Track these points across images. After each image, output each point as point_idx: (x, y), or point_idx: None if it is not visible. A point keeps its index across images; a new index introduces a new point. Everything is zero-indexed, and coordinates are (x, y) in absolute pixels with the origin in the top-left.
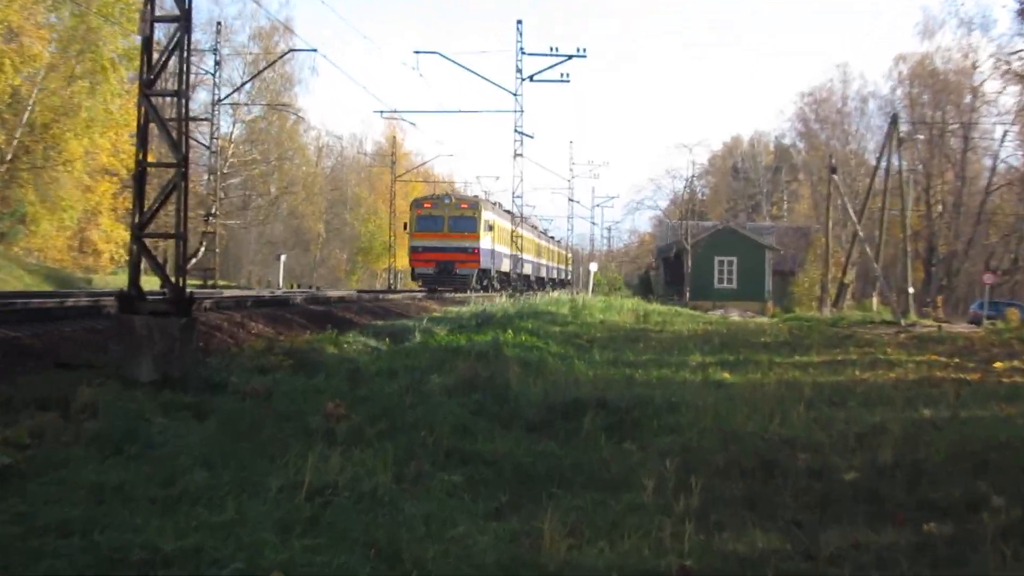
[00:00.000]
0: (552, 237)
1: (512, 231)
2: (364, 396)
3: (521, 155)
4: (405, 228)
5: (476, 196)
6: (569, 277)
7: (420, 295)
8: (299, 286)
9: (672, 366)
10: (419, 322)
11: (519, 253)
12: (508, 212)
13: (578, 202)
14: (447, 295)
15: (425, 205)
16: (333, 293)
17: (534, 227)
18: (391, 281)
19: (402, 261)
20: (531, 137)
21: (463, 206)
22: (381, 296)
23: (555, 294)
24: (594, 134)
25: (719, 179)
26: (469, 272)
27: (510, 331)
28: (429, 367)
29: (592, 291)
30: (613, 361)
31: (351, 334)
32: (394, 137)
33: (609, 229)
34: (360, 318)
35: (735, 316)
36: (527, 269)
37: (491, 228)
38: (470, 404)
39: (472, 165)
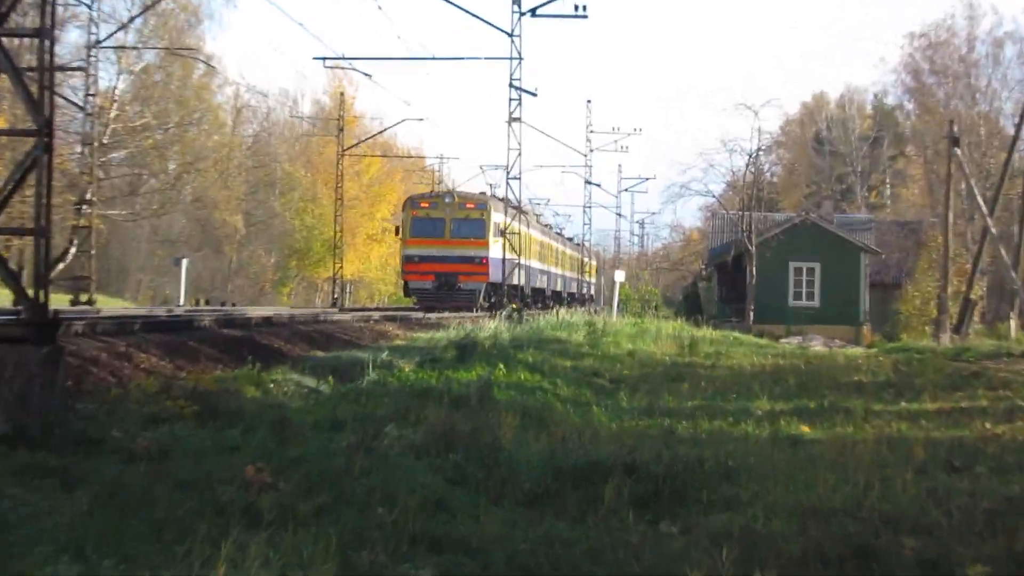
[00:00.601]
0: (570, 239)
1: (526, 235)
2: (298, 457)
3: (519, 119)
4: (397, 233)
5: (484, 194)
6: (592, 291)
7: (377, 316)
8: (208, 302)
9: (729, 416)
10: (376, 353)
11: (533, 262)
12: (518, 209)
13: (598, 185)
14: (430, 316)
15: (422, 205)
16: (256, 312)
17: (547, 226)
18: (337, 296)
19: (351, 267)
20: (533, 95)
21: (469, 206)
22: (323, 317)
23: (565, 313)
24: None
25: (796, 154)
26: (476, 287)
27: (502, 366)
28: (389, 416)
29: (618, 310)
30: (646, 409)
31: (280, 370)
32: (342, 94)
33: (642, 224)
34: (293, 347)
35: (818, 346)
36: (541, 281)
37: (502, 233)
38: (446, 469)
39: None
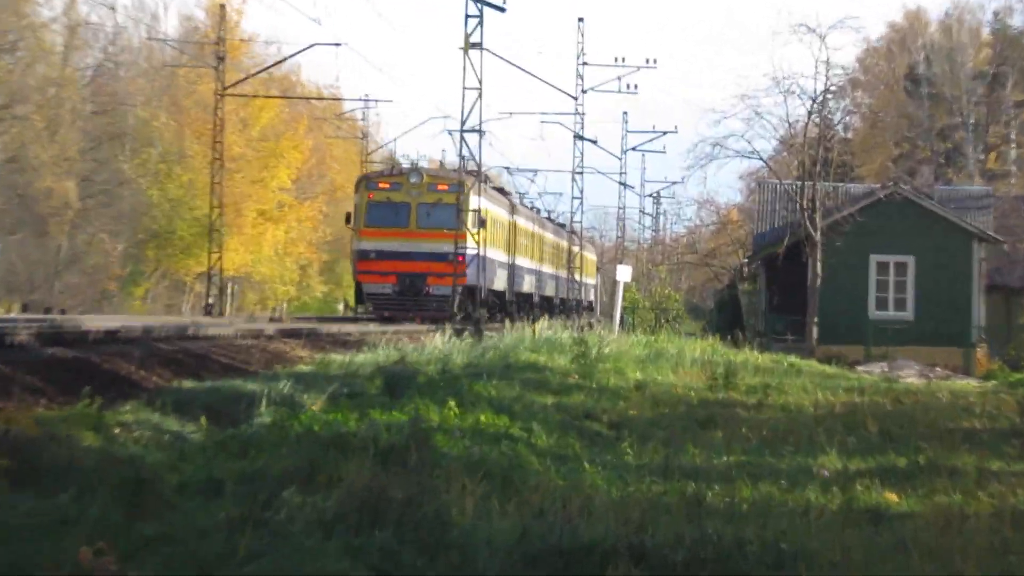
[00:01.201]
0: (562, 226)
1: (511, 224)
2: (156, 535)
3: (479, 45)
4: (348, 221)
5: (458, 171)
6: (592, 296)
7: (272, 329)
8: (26, 308)
9: (781, 478)
10: (271, 384)
11: (521, 260)
12: (501, 191)
13: (593, 142)
14: (349, 332)
15: (381, 186)
16: (96, 323)
17: (534, 210)
18: (213, 301)
19: (235, 258)
20: (501, 9)
21: (441, 187)
22: (195, 330)
23: (545, 327)
24: (627, 9)
25: (880, 98)
26: (449, 292)
27: (454, 403)
28: (288, 476)
29: (621, 322)
30: (661, 467)
31: (131, 407)
32: (222, 7)
33: (656, 198)
34: (150, 375)
35: (911, 376)
36: (529, 284)
37: (483, 223)
38: (369, 553)
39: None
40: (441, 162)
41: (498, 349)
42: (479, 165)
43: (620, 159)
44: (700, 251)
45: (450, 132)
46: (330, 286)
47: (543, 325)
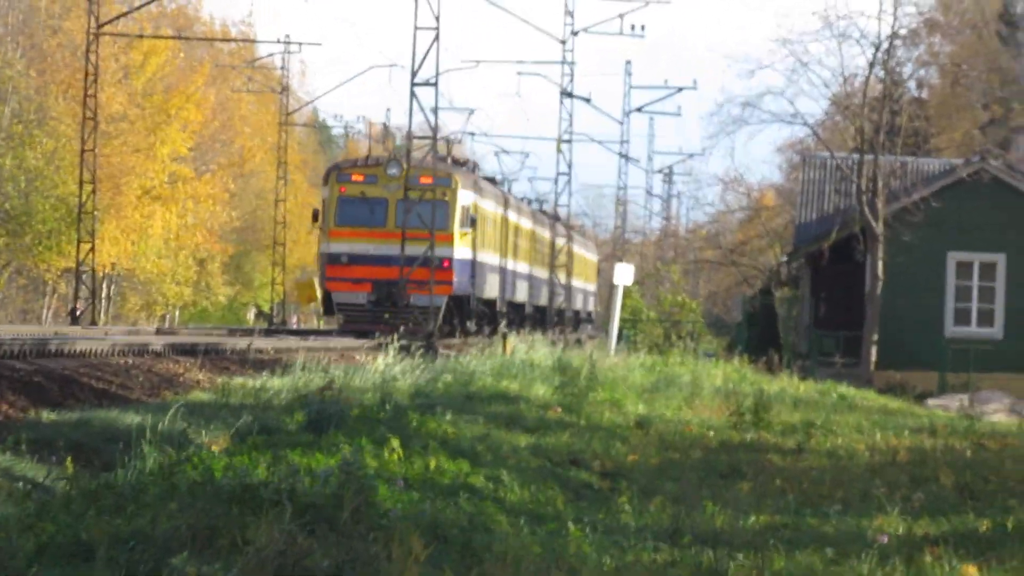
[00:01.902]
0: (557, 219)
1: (503, 219)
2: None
3: None
4: (315, 219)
5: (446, 160)
6: (592, 306)
7: (160, 344)
8: None
9: (825, 544)
10: (157, 416)
11: (515, 264)
12: (491, 181)
13: (585, 100)
14: (263, 349)
15: (354, 178)
16: None
17: (524, 201)
18: (83, 307)
19: (112, 250)
20: None
21: (425, 180)
22: (59, 344)
23: (518, 344)
24: None
25: (965, 46)
26: (433, 303)
27: (397, 444)
28: (178, 537)
29: (621, 338)
30: (670, 531)
31: None
32: None
33: (668, 175)
34: None
35: (998, 413)
36: (522, 292)
37: (473, 223)
38: None
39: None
40: (385, 125)
41: (457, 373)
42: (435, 130)
43: (621, 124)
44: (725, 246)
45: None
46: (237, 288)
47: (515, 341)
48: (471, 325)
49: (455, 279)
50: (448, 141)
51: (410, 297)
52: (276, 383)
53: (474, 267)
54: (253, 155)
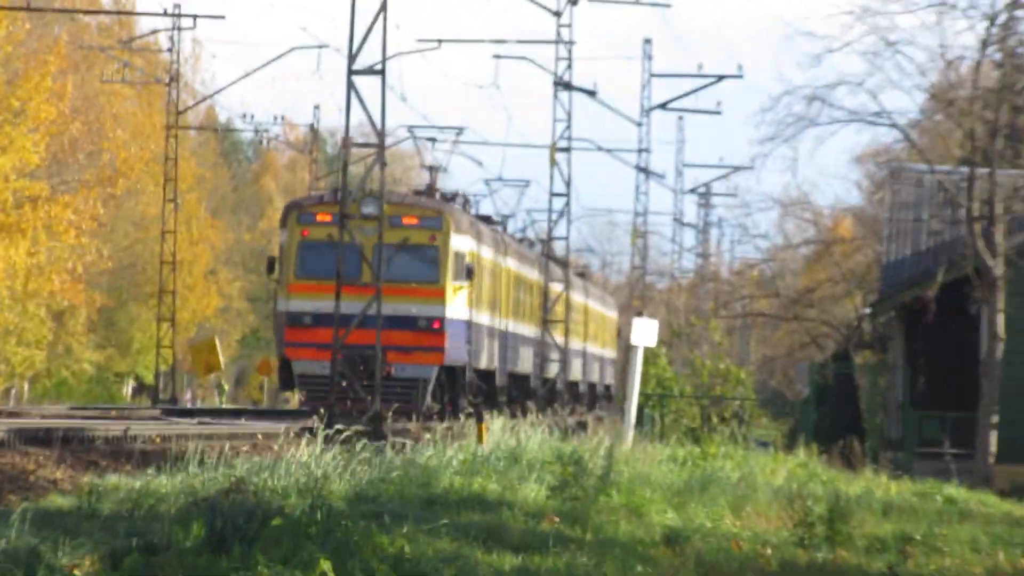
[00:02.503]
0: (565, 264)
1: (503, 269)
2: None
3: None
4: (270, 270)
5: (435, 195)
6: (611, 378)
7: (1, 432)
8: None
9: None
10: None
11: (512, 323)
12: (486, 220)
13: (590, 93)
14: (240, 426)
15: (320, 218)
16: None
17: (525, 243)
18: None
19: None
20: None
21: (409, 220)
22: None
23: (495, 429)
24: None
25: None
26: (422, 374)
27: (327, 565)
28: None
29: (641, 420)
30: None
31: None
32: None
33: (704, 198)
34: None
35: None
36: (525, 361)
37: (470, 274)
38: None
39: None
40: (312, 128)
41: (414, 469)
42: (381, 134)
43: (639, 125)
44: (784, 294)
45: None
46: (109, 352)
47: (499, 425)
48: (464, 403)
49: (448, 344)
50: (432, 169)
51: (392, 367)
52: (164, 484)
53: (470, 329)
54: (130, 169)
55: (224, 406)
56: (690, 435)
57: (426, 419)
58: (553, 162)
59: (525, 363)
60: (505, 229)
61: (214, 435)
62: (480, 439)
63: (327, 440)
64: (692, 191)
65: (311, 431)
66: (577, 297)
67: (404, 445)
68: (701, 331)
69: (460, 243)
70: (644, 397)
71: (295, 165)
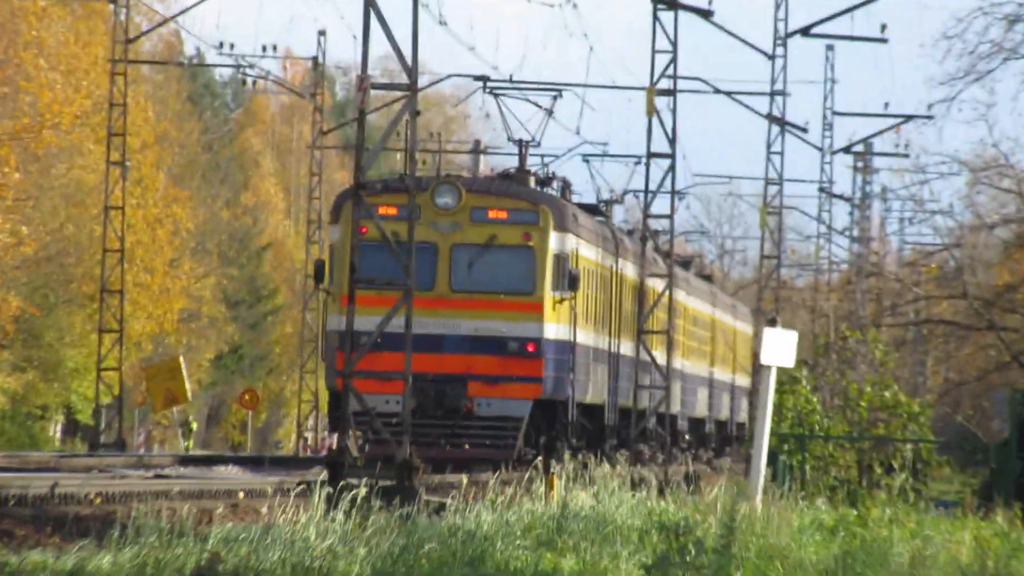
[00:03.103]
0: (687, 264)
1: (614, 274)
2: None
3: None
4: (319, 277)
5: (527, 173)
6: (744, 414)
7: None
8: None
9: None
10: None
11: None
12: (591, 210)
13: (706, 16)
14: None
15: (382, 211)
16: None
17: (629, 232)
18: None
19: None
20: None
21: (497, 213)
22: None
23: (570, 482)
24: None
25: None
26: (514, 410)
27: None
28: None
29: (774, 471)
30: None
31: None
32: None
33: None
34: None
35: None
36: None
37: (574, 282)
38: None
39: None
40: (316, 61)
41: (456, 539)
42: (412, 71)
43: (771, 58)
44: (975, 294)
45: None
46: (29, 377)
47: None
48: (563, 447)
49: (546, 373)
50: (523, 144)
51: (474, 402)
52: (106, 564)
53: (574, 354)
54: (60, 118)
55: (192, 452)
56: (843, 492)
57: (517, 468)
58: (651, 110)
59: (640, 395)
60: (609, 214)
61: (177, 493)
62: (550, 496)
63: (335, 500)
64: (845, 150)
65: (309, 486)
66: (696, 303)
67: (442, 506)
68: (857, 346)
69: (561, 243)
70: (778, 439)
71: (292, 114)
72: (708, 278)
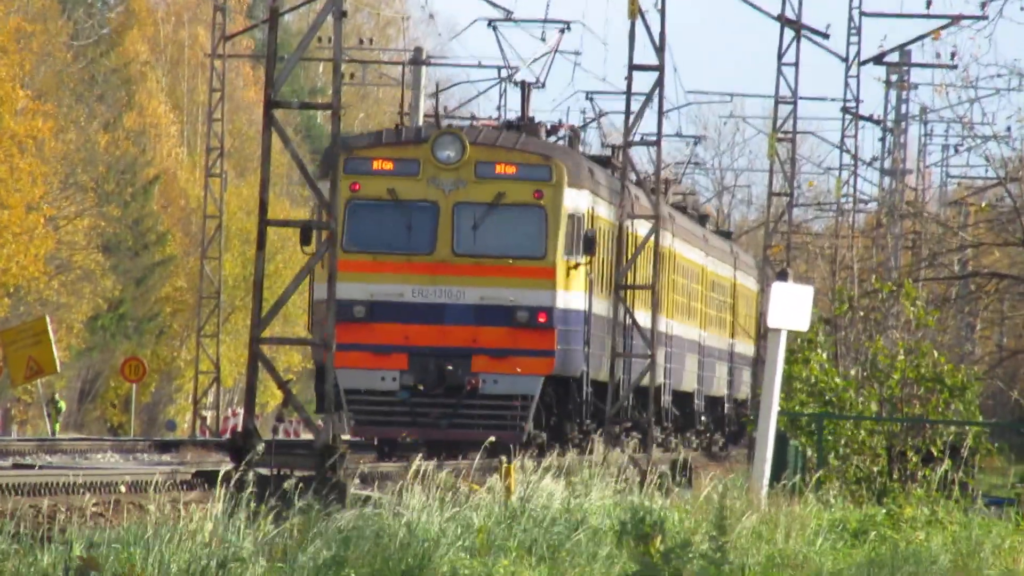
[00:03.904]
0: (703, 219)
1: (629, 234)
2: None
3: None
4: (305, 239)
5: (537, 125)
6: (739, 390)
7: None
8: None
9: None
10: None
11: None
12: (601, 162)
13: None
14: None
15: (377, 166)
16: None
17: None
18: None
19: None
20: None
21: (504, 169)
22: None
23: (540, 485)
24: None
25: None
26: (521, 387)
27: None
28: None
29: (783, 461)
30: None
31: None
32: None
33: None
34: None
35: None
36: (678, 375)
37: (590, 245)
38: None
39: None
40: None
41: (391, 543)
42: None
43: None
44: None
45: None
46: None
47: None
48: (575, 430)
49: (559, 346)
50: (525, 86)
51: (479, 378)
52: None
53: (589, 324)
54: None
55: (60, 436)
56: (870, 485)
57: (568, 449)
58: (635, 12)
59: (678, 376)
60: (615, 157)
61: (43, 487)
62: (509, 491)
63: (240, 492)
64: (875, 60)
65: (209, 477)
66: (685, 251)
67: (368, 500)
68: (889, 304)
69: (576, 201)
70: (788, 420)
71: (187, 15)
72: (704, 218)
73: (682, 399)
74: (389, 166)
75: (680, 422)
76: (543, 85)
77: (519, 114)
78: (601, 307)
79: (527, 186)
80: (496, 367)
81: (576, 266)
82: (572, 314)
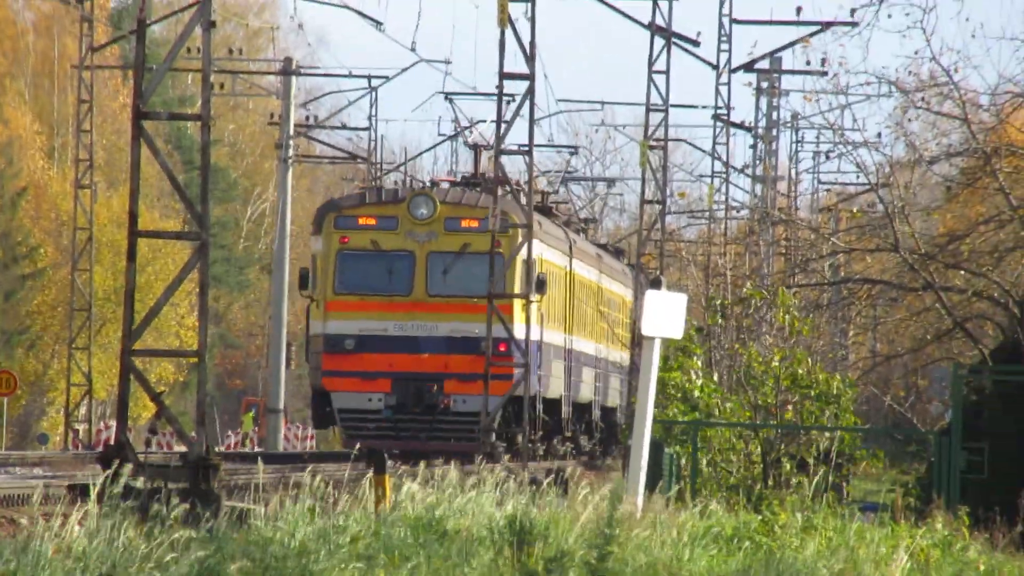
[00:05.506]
0: (619, 252)
1: (568, 274)
2: None
3: None
4: (303, 284)
5: (499, 181)
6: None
7: None
8: None
9: None
10: None
11: (577, 340)
12: (546, 212)
13: None
14: None
15: (362, 221)
16: None
17: (582, 233)
18: None
19: None
20: None
21: (468, 223)
22: None
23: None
24: None
25: None
26: (482, 405)
27: None
28: None
29: (659, 470)
30: None
31: None
32: None
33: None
34: None
35: None
36: (588, 386)
37: (541, 285)
38: None
39: None
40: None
41: (264, 555)
42: None
43: None
44: (909, 247)
45: None
46: None
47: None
48: (526, 440)
49: (516, 371)
50: (478, 149)
51: (450, 399)
52: None
53: (541, 352)
54: None
55: None
56: (744, 492)
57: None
58: (504, 21)
59: (587, 389)
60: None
61: None
62: (382, 501)
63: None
64: (746, 68)
65: (83, 490)
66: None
67: (244, 511)
68: (762, 311)
69: (528, 250)
70: (663, 428)
71: (51, 24)
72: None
73: (551, 405)
74: (372, 221)
75: (578, 432)
76: (492, 148)
77: (450, 162)
78: (551, 337)
79: (488, 237)
80: (465, 389)
81: (530, 303)
82: (528, 344)
